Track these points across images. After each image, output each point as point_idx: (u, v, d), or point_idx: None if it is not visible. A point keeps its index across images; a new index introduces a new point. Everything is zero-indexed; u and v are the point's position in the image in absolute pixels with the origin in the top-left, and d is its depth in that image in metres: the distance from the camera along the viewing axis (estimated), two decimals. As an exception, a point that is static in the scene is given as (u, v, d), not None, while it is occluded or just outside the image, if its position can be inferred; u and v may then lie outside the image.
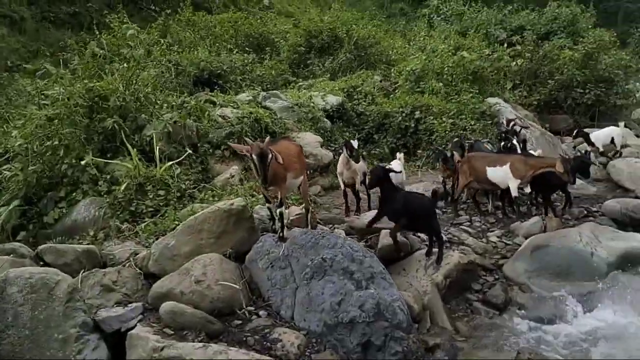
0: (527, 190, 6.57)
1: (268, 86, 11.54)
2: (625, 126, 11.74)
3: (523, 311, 4.49)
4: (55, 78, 7.62)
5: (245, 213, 4.57)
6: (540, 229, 5.74)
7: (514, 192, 6.11)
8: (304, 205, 5.18)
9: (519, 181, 5.98)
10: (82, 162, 6.18)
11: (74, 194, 6.26)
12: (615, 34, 13.21)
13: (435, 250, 4.78)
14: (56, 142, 6.36)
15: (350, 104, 10.24)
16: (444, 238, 5.63)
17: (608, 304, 4.36)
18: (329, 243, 4.15)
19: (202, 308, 3.91)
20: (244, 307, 4.08)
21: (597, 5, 21.43)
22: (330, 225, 5.75)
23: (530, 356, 3.17)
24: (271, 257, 4.25)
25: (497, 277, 4.99)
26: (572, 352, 3.76)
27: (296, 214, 5.15)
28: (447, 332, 4.19)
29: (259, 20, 15.62)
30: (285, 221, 4.46)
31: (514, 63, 11.83)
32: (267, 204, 4.70)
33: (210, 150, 7.22)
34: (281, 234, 4.39)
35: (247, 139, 4.55)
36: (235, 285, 4.06)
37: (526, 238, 5.58)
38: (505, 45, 12.80)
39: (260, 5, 22.80)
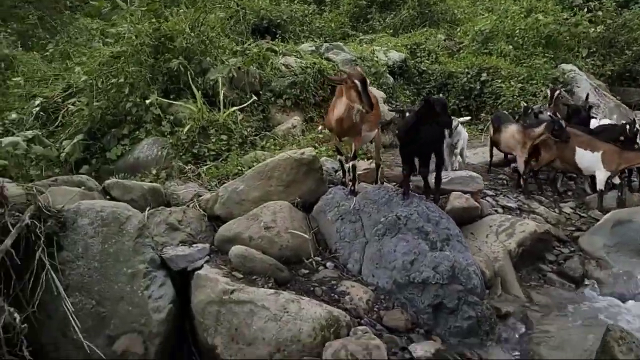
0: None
1: (327, 39, 11.21)
2: None
3: (600, 286, 4.25)
4: (121, 16, 7.57)
5: (315, 163, 4.44)
6: (618, 204, 5.38)
7: (600, 185, 5.37)
8: (374, 160, 4.99)
9: (609, 174, 5.31)
10: (147, 102, 6.17)
11: (137, 132, 6.30)
12: None
13: None
14: (121, 80, 6.36)
15: (412, 61, 9.84)
16: (514, 205, 5.40)
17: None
18: (405, 201, 3.97)
19: (270, 254, 3.86)
20: (312, 257, 4.00)
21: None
22: (394, 183, 5.56)
23: (621, 333, 2.95)
24: (341, 210, 4.13)
25: (572, 249, 4.73)
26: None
27: (364, 169, 4.98)
28: (520, 300, 4.01)
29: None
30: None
31: (592, 30, 11.01)
32: (338, 156, 4.53)
33: (272, 99, 7.09)
34: (353, 187, 4.25)
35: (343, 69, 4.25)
36: (304, 235, 3.97)
37: (602, 212, 5.27)
38: (586, 10, 11.88)
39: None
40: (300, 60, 7.59)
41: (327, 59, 8.27)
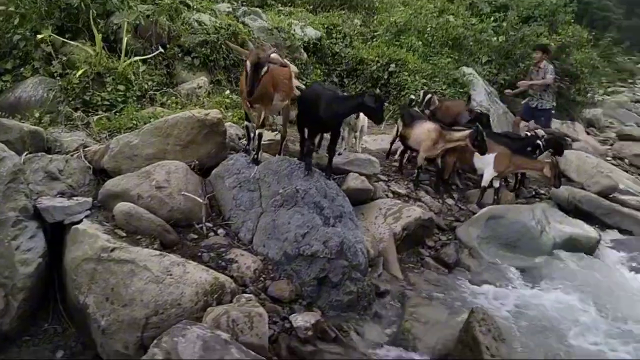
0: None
1: (245, 2, 10.85)
2: (573, 120, 12.30)
3: (470, 273, 4.64)
4: None
5: (219, 126, 4.32)
6: (494, 201, 5.88)
7: (485, 182, 5.78)
8: (279, 132, 4.96)
9: (495, 174, 5.74)
10: (38, 37, 5.55)
11: (22, 68, 5.67)
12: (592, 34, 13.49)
13: None
14: (11, 8, 5.65)
15: (327, 41, 9.86)
16: (404, 192, 5.69)
17: (549, 278, 4.59)
18: (304, 174, 4.01)
19: (159, 215, 3.71)
20: (203, 222, 3.91)
21: (583, 10, 21.72)
22: (296, 159, 5.59)
23: (483, 315, 3.25)
24: (240, 178, 4.08)
25: (449, 237, 5.10)
26: (514, 316, 3.92)
27: (268, 140, 4.94)
28: (398, 280, 4.26)
29: None
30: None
31: (495, 38, 11.80)
32: (245, 122, 4.42)
33: (180, 55, 6.73)
34: (256, 156, 4.19)
35: (251, 43, 4.09)
36: (198, 199, 3.86)
37: (479, 207, 5.74)
38: (492, 19, 12.69)
39: None
40: (215, 19, 7.27)
41: (243, 23, 8.02)
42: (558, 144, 6.46)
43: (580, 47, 12.54)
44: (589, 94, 12.74)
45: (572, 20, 15.22)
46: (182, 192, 3.82)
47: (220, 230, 3.96)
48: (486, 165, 5.76)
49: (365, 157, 5.24)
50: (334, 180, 4.57)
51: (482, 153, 5.42)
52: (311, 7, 12.18)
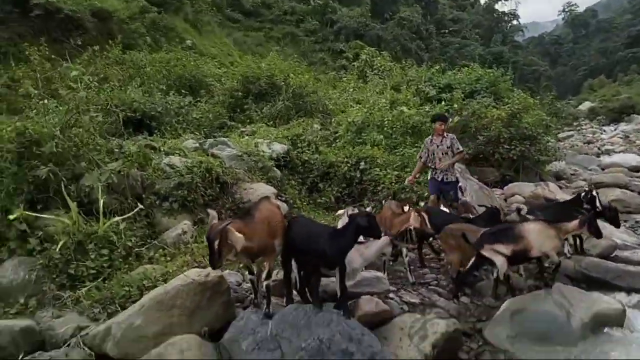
0: None
1: (205, 130, 11.04)
2: (542, 179, 12.68)
3: (515, 380, 4.34)
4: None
5: (222, 285, 4.09)
6: (507, 291, 5.68)
7: (501, 274, 5.40)
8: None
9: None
10: (10, 217, 5.30)
11: (-2, 252, 5.34)
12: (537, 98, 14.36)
13: None
14: (-22, 194, 5.44)
15: (295, 152, 10.02)
16: (417, 300, 5.46)
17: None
18: (323, 320, 3.75)
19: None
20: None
21: (497, 66, 23.54)
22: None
23: None
24: (257, 338, 3.77)
25: (480, 343, 4.83)
26: None
27: (272, 281, 4.68)
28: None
29: (192, 63, 15.13)
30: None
31: (450, 120, 12.34)
32: (249, 275, 4.19)
33: (157, 202, 6.56)
34: (267, 310, 3.92)
35: (210, 211, 3.96)
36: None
37: (494, 298, 5.54)
38: (438, 101, 13.38)
39: (182, 45, 22.25)
40: (185, 159, 7.24)
41: (213, 155, 8.04)
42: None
43: (527, 110, 13.23)
44: (549, 151, 13.24)
45: (512, 86, 16.29)
46: (201, 370, 3.48)
47: (246, 401, 3.58)
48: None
49: (371, 275, 5.05)
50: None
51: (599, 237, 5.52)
52: (269, 120, 12.53)
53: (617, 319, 5.11)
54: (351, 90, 16.93)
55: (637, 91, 43.12)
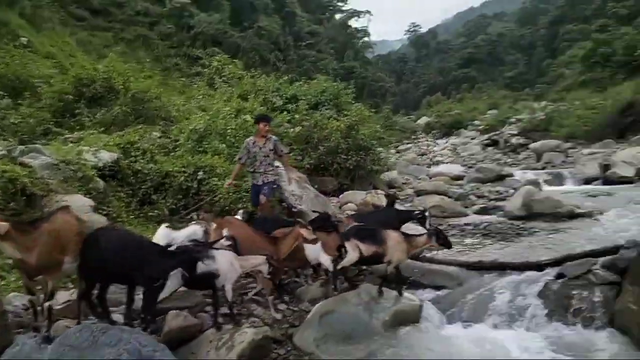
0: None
1: (25, 137, 9.94)
2: (375, 188, 13.67)
3: (312, 383, 4.54)
4: None
5: (-4, 309, 3.64)
6: (323, 293, 5.99)
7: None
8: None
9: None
10: None
11: None
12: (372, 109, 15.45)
13: None
14: None
15: (126, 161, 9.48)
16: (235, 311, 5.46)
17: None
18: (111, 340, 3.54)
19: None
20: None
21: (349, 80, 25.15)
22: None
23: None
24: (34, 365, 3.43)
25: (289, 349, 4.97)
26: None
27: (63, 303, 4.32)
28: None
29: (17, 61, 13.55)
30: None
31: (292, 129, 12.71)
32: (29, 296, 3.80)
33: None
34: (47, 333, 3.59)
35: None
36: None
37: (310, 303, 5.78)
38: (284, 112, 13.70)
39: (16, 43, 19.88)
40: (-15, 168, 6.42)
41: (22, 164, 7.24)
42: None
43: (363, 122, 14.17)
44: (382, 161, 14.31)
45: (354, 99, 17.36)
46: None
47: None
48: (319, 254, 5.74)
49: (183, 289, 4.93)
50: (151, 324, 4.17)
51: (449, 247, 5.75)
52: (103, 127, 11.71)
53: (414, 315, 5.65)
54: (200, 97, 16.60)
55: (467, 108, 48.73)
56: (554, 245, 7.97)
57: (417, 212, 7.49)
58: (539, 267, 6.36)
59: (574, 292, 5.50)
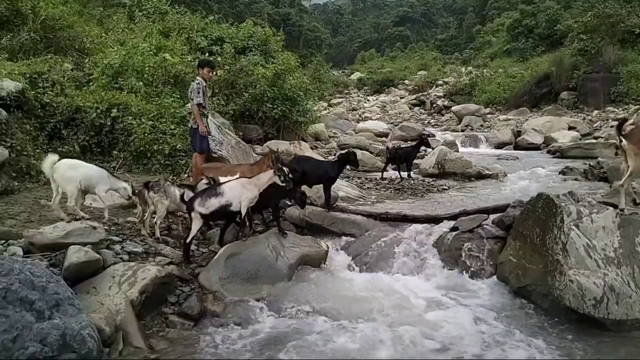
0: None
1: None
2: (302, 139, 13.80)
3: (216, 319, 4.68)
4: None
5: None
6: (234, 236, 6.09)
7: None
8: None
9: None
10: None
11: None
12: (298, 58, 15.26)
13: None
14: None
15: (33, 92, 8.84)
16: (141, 250, 5.44)
17: (290, 301, 4.99)
18: (2, 269, 3.45)
19: None
20: None
21: (284, 28, 24.63)
22: (3, 242, 4.83)
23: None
24: None
25: (193, 287, 5.07)
26: (259, 354, 4.11)
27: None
28: (141, 351, 4.03)
29: None
30: None
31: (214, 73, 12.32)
32: None
33: None
34: None
35: None
36: None
37: (220, 245, 5.89)
38: (207, 54, 13.20)
39: None
40: None
41: None
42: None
43: (291, 72, 14.03)
44: (308, 114, 14.34)
45: (290, 48, 17.04)
46: None
47: None
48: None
49: (84, 225, 4.85)
50: (48, 260, 4.09)
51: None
52: (7, 54, 10.76)
53: (320, 259, 5.96)
54: (120, 31, 15.57)
55: (399, 66, 49.43)
56: (457, 202, 8.54)
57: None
58: (438, 220, 6.81)
59: (465, 244, 5.98)
